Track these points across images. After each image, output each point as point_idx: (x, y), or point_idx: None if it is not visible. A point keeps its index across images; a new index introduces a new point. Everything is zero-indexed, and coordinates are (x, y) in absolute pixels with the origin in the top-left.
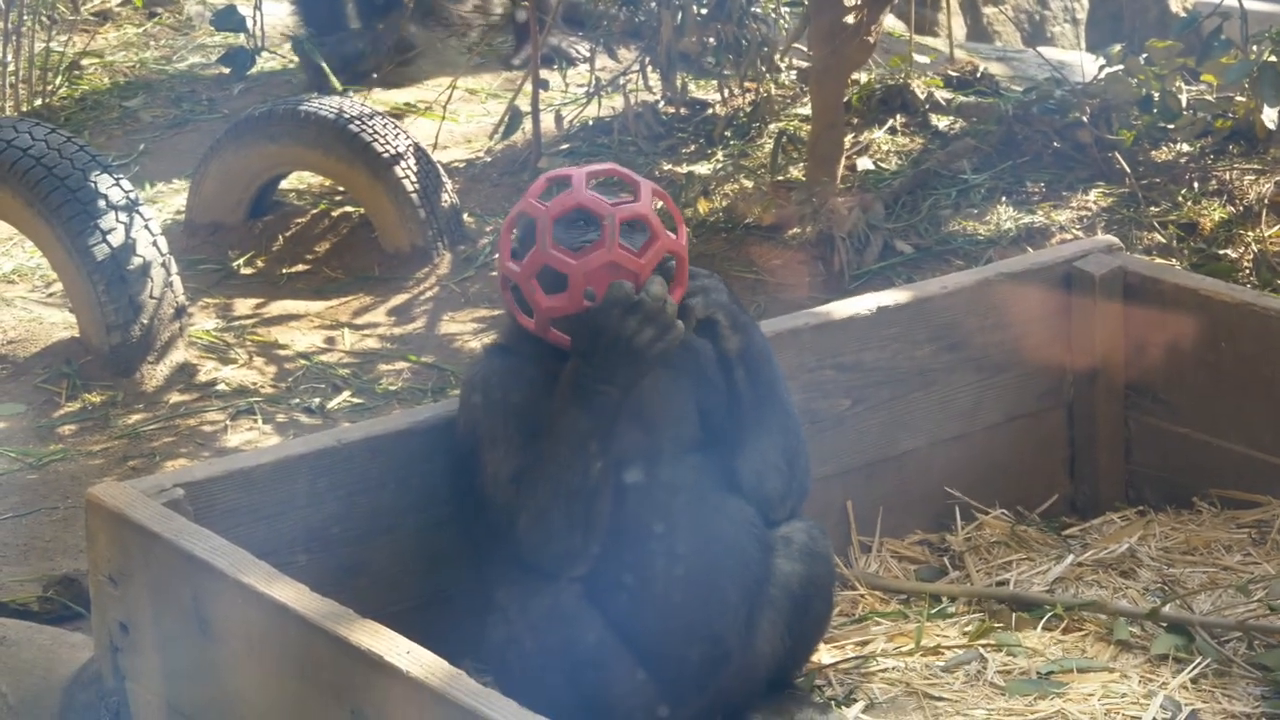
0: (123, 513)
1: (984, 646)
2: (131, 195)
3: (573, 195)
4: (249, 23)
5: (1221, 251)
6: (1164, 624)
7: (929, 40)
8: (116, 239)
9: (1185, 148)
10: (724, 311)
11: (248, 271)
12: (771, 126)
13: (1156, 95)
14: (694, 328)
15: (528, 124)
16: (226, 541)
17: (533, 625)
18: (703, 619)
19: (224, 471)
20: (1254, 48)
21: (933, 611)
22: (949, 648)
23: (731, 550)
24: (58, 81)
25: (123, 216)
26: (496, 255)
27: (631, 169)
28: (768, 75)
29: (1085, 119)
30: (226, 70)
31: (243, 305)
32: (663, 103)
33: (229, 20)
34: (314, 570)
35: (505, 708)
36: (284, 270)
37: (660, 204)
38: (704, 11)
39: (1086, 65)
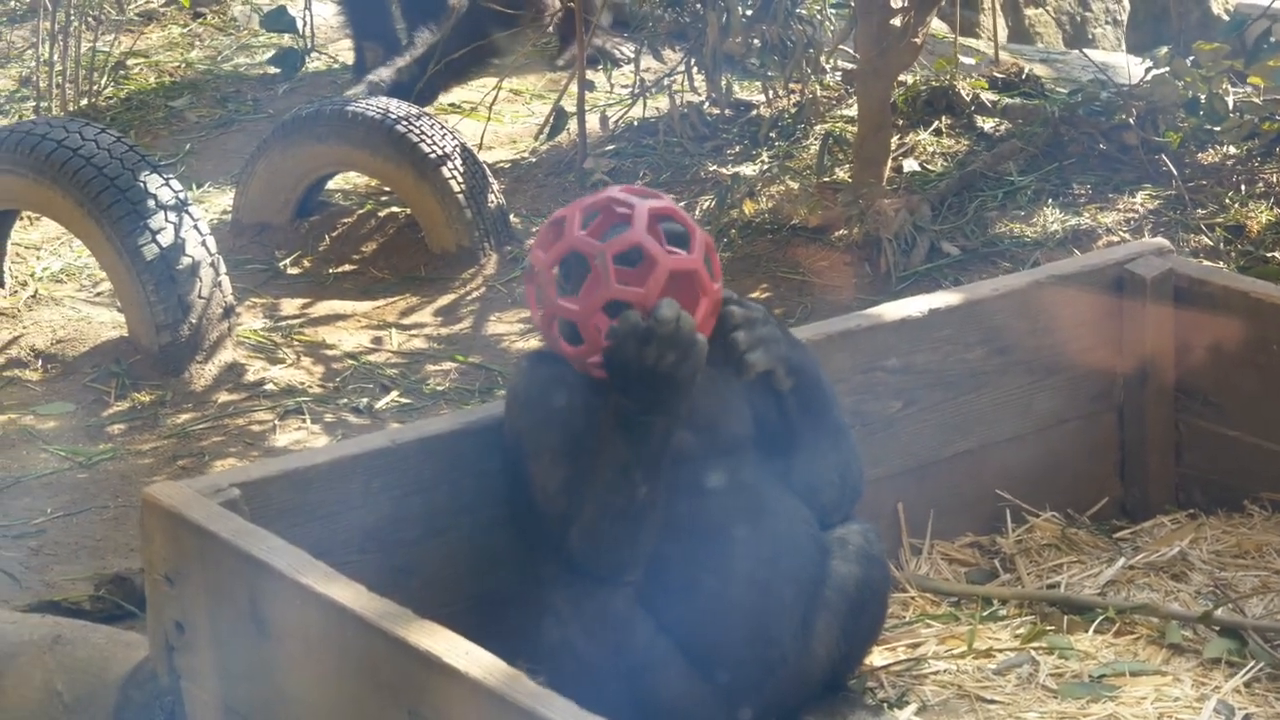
0: (179, 512)
1: (1036, 649)
2: (181, 195)
3: (566, 240)
4: (298, 23)
5: (1269, 254)
6: (1216, 628)
7: (971, 41)
8: (166, 239)
9: (1232, 150)
10: (781, 362)
11: (294, 271)
12: (817, 128)
13: (1203, 97)
14: (754, 380)
15: (573, 125)
16: (284, 542)
17: (586, 628)
18: (758, 621)
19: (280, 471)
20: None
21: (984, 614)
22: (1001, 650)
23: (787, 551)
24: (103, 82)
25: (172, 216)
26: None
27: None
28: (813, 77)
29: (1131, 121)
30: (273, 70)
31: (290, 305)
32: (708, 104)
33: (279, 21)
34: (367, 571)
35: (564, 709)
36: (331, 270)
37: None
38: (749, 13)
39: (1131, 67)
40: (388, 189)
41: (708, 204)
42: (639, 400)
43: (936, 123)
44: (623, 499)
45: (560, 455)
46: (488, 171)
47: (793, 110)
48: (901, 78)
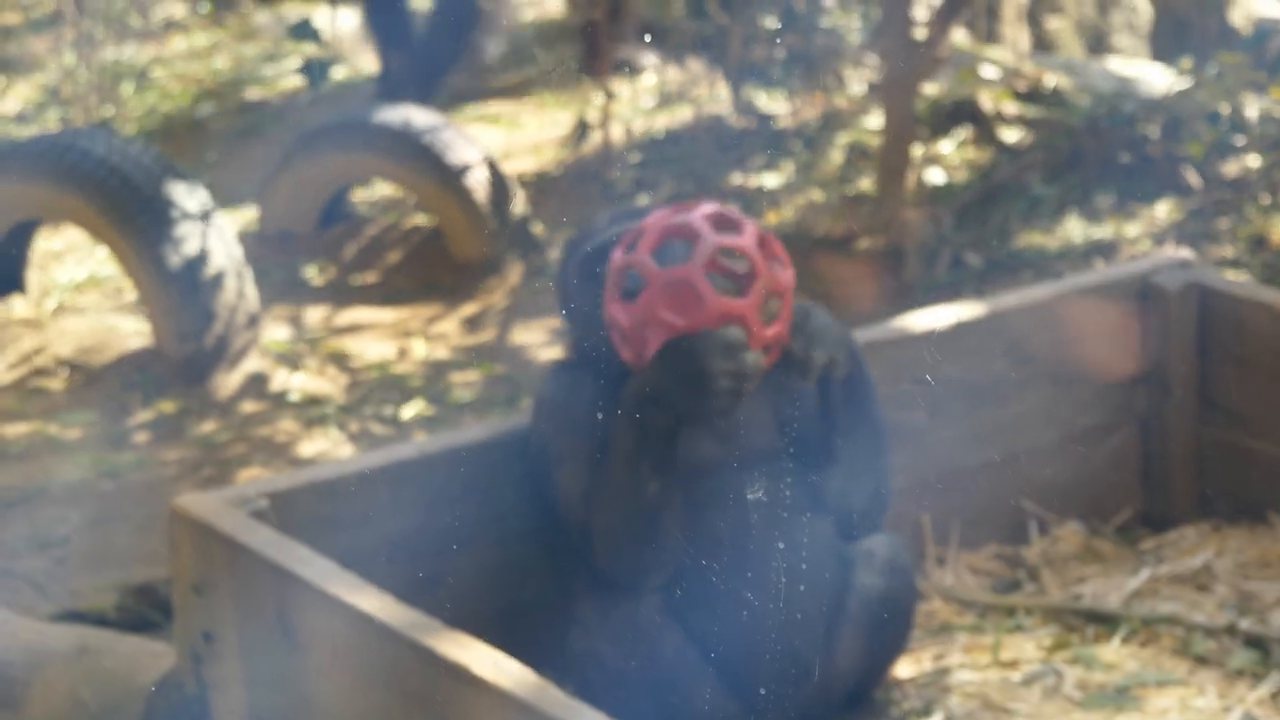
0: (209, 523)
1: (1061, 660)
2: (206, 204)
3: (746, 236)
4: (323, 34)
5: None
6: (1240, 639)
7: (993, 52)
8: (191, 248)
9: (1254, 162)
10: (843, 351)
11: (319, 281)
12: (840, 139)
13: (1225, 109)
14: (814, 378)
15: (597, 134)
16: (312, 552)
17: (612, 638)
18: (782, 634)
19: (308, 482)
20: None
21: (1009, 625)
22: (1026, 661)
23: (812, 563)
24: (128, 91)
25: (197, 225)
26: (620, 249)
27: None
28: (837, 87)
29: (1154, 133)
30: (297, 80)
31: (314, 315)
32: (731, 114)
33: (305, 31)
34: (395, 581)
35: None
36: (355, 280)
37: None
38: (774, 24)
39: (1153, 77)
40: (412, 198)
41: None
42: (664, 389)
43: (959, 133)
44: (633, 496)
45: (584, 461)
46: (511, 181)
47: (816, 121)
48: (924, 89)
